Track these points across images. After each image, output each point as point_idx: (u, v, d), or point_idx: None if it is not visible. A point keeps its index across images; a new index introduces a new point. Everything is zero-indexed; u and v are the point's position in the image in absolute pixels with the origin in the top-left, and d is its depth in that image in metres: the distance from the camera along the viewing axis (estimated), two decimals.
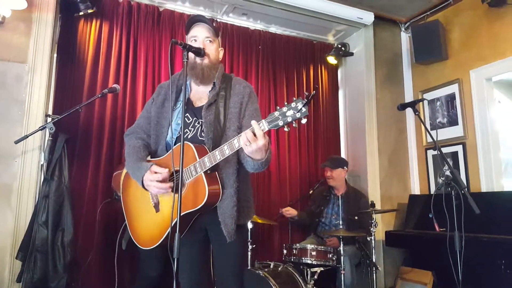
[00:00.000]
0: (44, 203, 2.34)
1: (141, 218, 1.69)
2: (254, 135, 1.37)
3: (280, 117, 1.34)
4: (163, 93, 1.76)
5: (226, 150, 1.46)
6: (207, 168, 1.50)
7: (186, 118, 1.67)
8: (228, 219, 1.56)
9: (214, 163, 1.48)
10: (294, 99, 1.32)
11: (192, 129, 1.66)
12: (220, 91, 1.70)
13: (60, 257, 2.30)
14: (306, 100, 1.30)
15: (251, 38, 3.62)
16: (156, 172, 1.55)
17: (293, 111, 1.31)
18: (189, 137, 1.65)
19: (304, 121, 1.32)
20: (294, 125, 1.33)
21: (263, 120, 1.37)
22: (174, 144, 1.64)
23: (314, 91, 1.37)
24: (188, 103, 1.72)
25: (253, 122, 1.37)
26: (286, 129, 1.35)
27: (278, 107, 1.35)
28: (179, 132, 1.64)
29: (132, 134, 1.80)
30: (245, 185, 1.68)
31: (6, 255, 2.39)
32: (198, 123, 1.65)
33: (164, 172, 1.55)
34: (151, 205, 1.66)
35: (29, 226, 2.36)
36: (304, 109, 1.30)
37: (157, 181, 1.54)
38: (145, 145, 1.75)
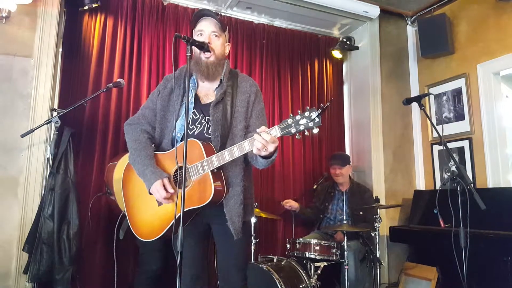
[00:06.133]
0: (50, 196, 2.36)
1: (143, 210, 1.70)
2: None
3: (293, 124, 1.38)
4: (169, 86, 1.73)
5: (235, 151, 1.48)
6: (215, 167, 1.51)
7: (193, 114, 1.67)
8: (235, 217, 1.59)
9: (222, 163, 1.50)
10: (308, 108, 1.38)
11: (199, 125, 1.66)
12: (227, 89, 1.69)
13: (66, 249, 2.32)
14: (320, 111, 1.35)
15: (255, 32, 3.59)
16: (164, 187, 1.56)
17: (307, 120, 1.35)
18: (195, 133, 1.65)
19: (316, 131, 1.36)
20: (306, 133, 1.38)
21: (276, 126, 1.40)
22: (181, 140, 1.62)
23: (329, 103, 1.44)
24: (195, 99, 1.70)
25: (266, 130, 1.40)
26: (297, 136, 1.39)
27: (291, 115, 1.40)
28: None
29: (136, 125, 1.74)
30: (249, 183, 1.72)
31: (13, 247, 2.43)
32: (205, 120, 1.65)
33: (170, 191, 1.56)
34: (154, 198, 1.66)
35: (35, 218, 2.39)
36: (317, 119, 1.35)
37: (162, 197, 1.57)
38: (150, 138, 1.73)
